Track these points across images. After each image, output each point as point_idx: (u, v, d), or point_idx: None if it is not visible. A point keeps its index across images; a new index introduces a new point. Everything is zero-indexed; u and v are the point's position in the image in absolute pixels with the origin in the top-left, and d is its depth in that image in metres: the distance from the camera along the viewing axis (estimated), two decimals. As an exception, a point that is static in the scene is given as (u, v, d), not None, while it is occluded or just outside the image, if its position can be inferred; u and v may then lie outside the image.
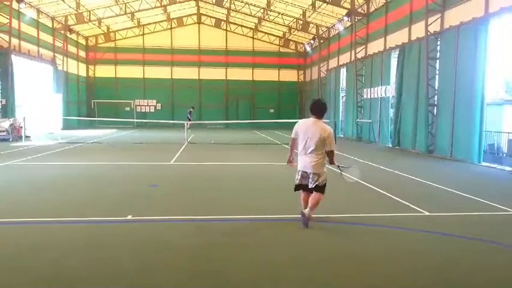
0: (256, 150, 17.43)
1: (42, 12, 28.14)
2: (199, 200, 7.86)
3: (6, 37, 22.43)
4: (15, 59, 23.47)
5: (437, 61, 16.73)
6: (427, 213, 6.93)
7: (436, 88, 16.74)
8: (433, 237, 5.71)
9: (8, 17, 22.41)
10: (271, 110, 39.72)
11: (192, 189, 9.02)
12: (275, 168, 12.37)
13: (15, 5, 23.01)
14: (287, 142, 21.30)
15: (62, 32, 31.24)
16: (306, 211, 5.92)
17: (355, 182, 9.88)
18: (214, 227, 6.09)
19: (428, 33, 16.52)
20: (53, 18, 29.96)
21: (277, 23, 34.24)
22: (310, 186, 5.91)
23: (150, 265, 4.51)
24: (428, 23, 16.48)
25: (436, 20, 16.50)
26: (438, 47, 16.68)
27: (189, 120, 30.52)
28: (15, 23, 23.95)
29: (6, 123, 20.22)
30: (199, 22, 39.19)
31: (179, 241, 5.38)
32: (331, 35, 31.32)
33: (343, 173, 6.28)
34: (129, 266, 4.51)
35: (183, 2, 33.27)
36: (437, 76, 16.74)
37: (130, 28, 37.66)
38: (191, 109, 33.53)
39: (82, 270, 4.37)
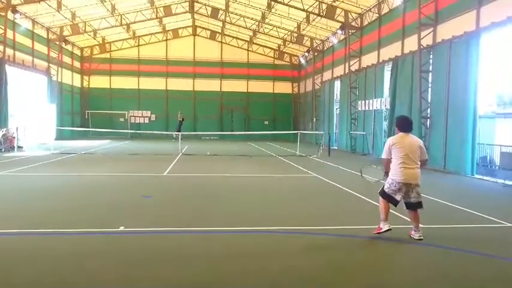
0: (251, 162, 17.41)
1: (37, 22, 28.19)
2: (192, 212, 7.81)
3: (1, 47, 22.42)
4: (9, 69, 23.43)
5: (430, 74, 16.92)
6: (421, 225, 6.91)
7: (429, 101, 16.89)
8: (426, 250, 5.69)
9: (3, 28, 22.42)
10: (266, 122, 39.82)
11: (186, 200, 8.97)
12: (271, 180, 12.35)
13: (10, 15, 23.04)
14: (282, 154, 21.34)
15: (57, 42, 31.27)
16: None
17: (349, 193, 9.91)
18: (208, 238, 6.04)
19: (421, 46, 16.73)
20: (48, 29, 30.01)
21: (272, 36, 34.54)
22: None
23: (139, 276, 4.45)
24: (421, 37, 16.70)
25: (428, 33, 16.73)
26: (431, 60, 16.88)
27: (180, 124, 29.97)
28: (10, 34, 23.96)
29: (-2, 134, 20.07)
30: (194, 34, 39.43)
31: (170, 252, 5.33)
32: (326, 48, 31.61)
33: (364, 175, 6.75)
34: (116, 275, 4.45)
35: (179, 14, 33.49)
36: (429, 89, 16.91)
37: (125, 39, 37.79)
38: (181, 119, 31.67)
39: (72, 279, 4.31)
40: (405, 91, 18.29)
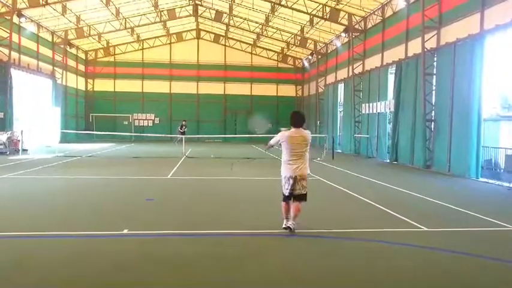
0: (255, 165, 17.39)
1: (42, 26, 28.37)
2: (195, 215, 7.80)
3: (6, 51, 22.58)
4: (14, 72, 23.58)
5: (434, 77, 16.87)
6: (425, 229, 6.89)
7: (433, 104, 16.84)
8: (431, 253, 5.66)
9: (9, 31, 22.58)
10: (270, 125, 39.78)
11: (189, 203, 8.97)
12: (275, 183, 12.33)
13: (15, 19, 23.21)
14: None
15: (62, 46, 31.45)
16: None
17: (353, 196, 9.88)
18: (212, 241, 6.04)
19: (425, 49, 16.69)
20: (53, 33, 30.19)
21: (275, 39, 34.58)
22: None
23: (141, 278, 4.45)
24: (425, 40, 16.66)
25: (432, 36, 16.69)
26: (435, 63, 16.83)
27: (181, 133, 29.53)
28: (15, 37, 24.11)
29: (3, 137, 20.18)
30: (198, 37, 39.55)
31: (173, 255, 5.32)
32: (329, 51, 31.61)
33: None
34: (119, 278, 4.45)
35: (183, 17, 33.62)
36: (434, 92, 16.86)
37: (129, 43, 37.96)
38: (183, 122, 31.75)
39: (76, 281, 4.31)
40: (409, 94, 18.24)
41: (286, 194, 6.33)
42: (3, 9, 22.86)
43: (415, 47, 18.08)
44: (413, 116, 17.83)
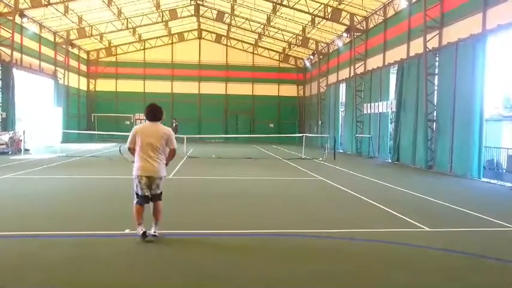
0: (256, 165, 17.40)
1: (44, 26, 28.43)
2: (197, 214, 7.81)
3: (9, 51, 22.63)
4: (16, 72, 23.63)
5: (436, 77, 16.85)
6: (427, 229, 6.88)
7: (435, 104, 16.82)
8: (433, 253, 5.65)
9: (11, 31, 22.64)
10: (271, 125, 39.83)
11: (191, 203, 8.97)
12: (276, 183, 12.34)
13: (18, 19, 23.27)
14: (287, 157, 21.32)
15: (64, 46, 31.52)
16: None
17: (355, 197, 9.87)
18: (215, 241, 6.04)
19: (427, 49, 16.67)
20: (55, 33, 30.26)
21: (277, 39, 34.58)
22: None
23: (144, 277, 4.46)
24: (427, 40, 16.64)
25: (434, 36, 16.67)
26: (437, 63, 16.81)
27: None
28: (17, 37, 24.16)
29: (5, 137, 20.22)
30: (200, 37, 39.58)
31: (175, 254, 5.33)
32: (331, 51, 31.60)
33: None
34: (121, 277, 4.46)
35: (184, 17, 33.65)
36: (436, 92, 16.84)
37: (131, 43, 38.01)
38: (174, 121, 30.98)
39: (78, 281, 4.33)
40: (411, 94, 18.22)
41: (140, 193, 5.76)
42: (6, 10, 22.91)
43: (417, 47, 18.06)
44: (415, 116, 17.81)
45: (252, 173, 14.55)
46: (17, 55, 24.23)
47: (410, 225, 7.15)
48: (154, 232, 5.72)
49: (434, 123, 16.82)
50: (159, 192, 5.86)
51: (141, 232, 5.70)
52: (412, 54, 18.64)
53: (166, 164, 5.96)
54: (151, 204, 5.94)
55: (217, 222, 7.18)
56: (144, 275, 4.61)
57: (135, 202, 5.87)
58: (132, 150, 5.93)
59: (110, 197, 9.59)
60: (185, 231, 6.50)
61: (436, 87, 16.82)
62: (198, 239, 6.22)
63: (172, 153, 5.96)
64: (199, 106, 39.38)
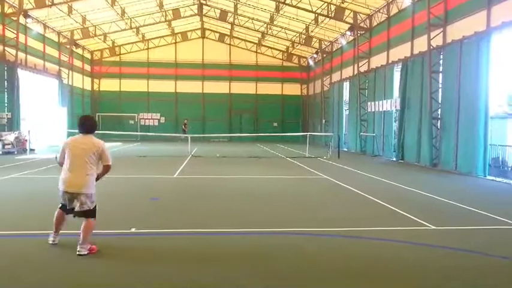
0: (261, 164, 17.41)
1: (48, 27, 28.53)
2: (201, 213, 7.83)
3: (13, 51, 22.73)
4: (21, 72, 23.73)
5: (440, 75, 16.79)
6: (433, 227, 6.87)
7: (440, 101, 16.76)
8: (439, 252, 5.64)
9: (15, 32, 22.74)
10: (275, 124, 39.80)
11: (195, 202, 9.00)
12: (280, 181, 12.34)
13: (22, 20, 23.36)
14: (291, 155, 21.32)
15: (68, 46, 31.62)
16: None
17: (359, 195, 9.87)
18: (218, 240, 6.06)
19: (431, 47, 16.61)
20: (59, 33, 30.36)
21: (280, 38, 34.54)
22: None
23: (146, 277, 4.49)
24: (431, 37, 16.58)
25: (438, 34, 16.61)
26: (441, 61, 16.75)
27: (184, 132, 31.44)
28: (22, 38, 24.27)
29: (11, 137, 20.36)
30: (203, 36, 39.60)
31: (179, 253, 5.35)
32: (334, 49, 31.54)
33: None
34: (127, 276, 4.49)
35: (188, 17, 33.68)
36: (440, 90, 16.78)
37: (135, 42, 38.09)
38: (185, 121, 34.91)
39: (84, 280, 4.36)
40: (415, 92, 18.17)
41: (63, 203, 5.44)
42: (10, 10, 23.02)
43: (421, 44, 17.99)
44: (419, 114, 17.76)
45: (257, 171, 14.56)
46: (21, 55, 24.34)
47: (416, 224, 7.14)
48: (79, 251, 5.16)
49: (439, 121, 16.76)
50: (86, 209, 5.28)
51: (51, 241, 5.51)
52: (416, 52, 18.58)
53: (97, 179, 5.51)
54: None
55: (218, 221, 7.19)
56: (151, 273, 4.64)
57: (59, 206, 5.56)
58: (62, 165, 5.49)
59: (114, 196, 9.61)
60: (190, 230, 6.52)
61: (440, 85, 16.76)
62: (203, 237, 6.24)
63: (105, 169, 5.53)
64: (203, 105, 39.42)
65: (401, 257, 5.41)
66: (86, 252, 5.15)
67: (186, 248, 5.63)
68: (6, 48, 22.65)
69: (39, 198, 9.09)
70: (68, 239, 5.70)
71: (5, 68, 22.44)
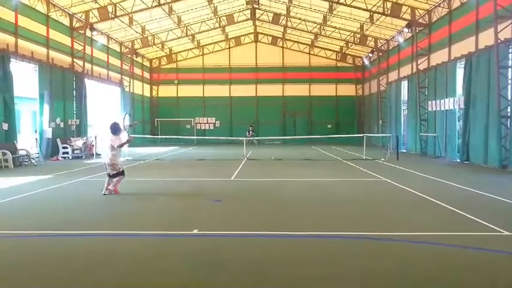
0: (316, 166, 17.23)
1: (111, 38, 30.23)
2: (261, 216, 7.88)
3: (81, 62, 24.33)
4: (87, 82, 25.33)
5: (510, 70, 15.69)
6: (506, 233, 6.43)
7: (509, 99, 15.66)
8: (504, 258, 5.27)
9: (82, 44, 24.34)
10: (329, 125, 39.24)
11: (254, 204, 9.08)
12: (338, 184, 12.14)
13: (88, 32, 24.95)
14: (348, 158, 20.91)
15: (129, 55, 33.30)
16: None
17: (423, 198, 9.44)
18: (278, 242, 6.07)
19: (499, 40, 15.58)
20: (121, 44, 32.07)
21: (333, 38, 34.05)
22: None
23: (213, 278, 4.58)
24: (498, 30, 15.55)
25: (506, 26, 15.53)
26: (510, 55, 15.66)
27: (251, 136, 32.72)
28: (88, 49, 25.91)
29: (79, 142, 21.75)
30: (256, 40, 40.01)
31: (243, 256, 5.42)
32: (391, 47, 30.56)
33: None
34: (191, 277, 4.61)
35: (241, 22, 34.19)
36: (509, 86, 15.69)
37: (190, 49, 39.29)
38: (250, 128, 36.53)
39: (149, 280, 4.55)
40: (481, 89, 17.12)
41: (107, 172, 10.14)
42: (78, 24, 24.65)
43: (486, 38, 16.92)
44: (486, 112, 16.70)
45: (314, 174, 14.42)
46: (88, 66, 25.95)
47: (487, 229, 6.71)
48: (106, 191, 10.00)
49: (509, 119, 15.66)
50: (113, 173, 10.09)
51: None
52: (481, 46, 17.50)
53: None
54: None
55: (282, 223, 7.19)
56: (214, 275, 4.74)
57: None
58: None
59: (176, 198, 9.95)
60: (252, 232, 6.59)
61: (509, 81, 15.66)
62: (263, 239, 6.28)
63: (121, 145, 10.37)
64: (257, 108, 39.77)
65: (471, 263, 5.10)
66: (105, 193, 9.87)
67: (249, 250, 5.69)
68: (74, 59, 24.27)
69: (107, 200, 9.61)
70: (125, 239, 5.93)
71: (74, 78, 24.04)
